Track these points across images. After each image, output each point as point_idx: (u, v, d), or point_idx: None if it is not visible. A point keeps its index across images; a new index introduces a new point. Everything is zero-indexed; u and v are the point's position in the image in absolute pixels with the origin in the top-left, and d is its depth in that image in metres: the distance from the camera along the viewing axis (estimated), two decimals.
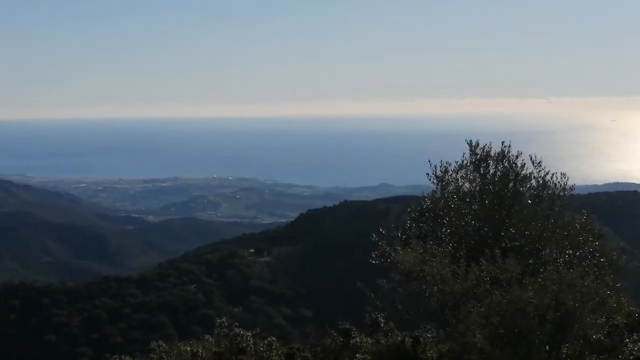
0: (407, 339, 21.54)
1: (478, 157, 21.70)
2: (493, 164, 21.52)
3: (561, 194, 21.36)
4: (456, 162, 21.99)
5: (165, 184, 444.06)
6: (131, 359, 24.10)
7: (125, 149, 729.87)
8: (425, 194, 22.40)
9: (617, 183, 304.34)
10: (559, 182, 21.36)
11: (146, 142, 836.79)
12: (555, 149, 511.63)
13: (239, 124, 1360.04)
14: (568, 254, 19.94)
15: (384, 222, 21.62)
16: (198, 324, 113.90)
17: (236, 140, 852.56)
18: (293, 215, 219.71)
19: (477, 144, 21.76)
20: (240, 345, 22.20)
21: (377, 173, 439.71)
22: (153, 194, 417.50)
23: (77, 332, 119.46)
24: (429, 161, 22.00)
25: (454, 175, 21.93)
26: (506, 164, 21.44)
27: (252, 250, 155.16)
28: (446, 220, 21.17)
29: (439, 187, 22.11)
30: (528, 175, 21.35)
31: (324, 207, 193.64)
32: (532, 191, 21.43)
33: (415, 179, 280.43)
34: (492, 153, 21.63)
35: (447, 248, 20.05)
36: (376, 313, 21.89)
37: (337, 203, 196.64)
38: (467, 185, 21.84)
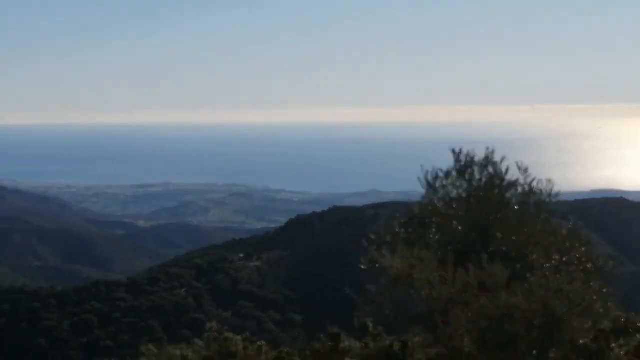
0: (395, 343, 21.68)
1: (462, 163, 21.83)
2: (478, 170, 21.65)
3: (547, 200, 21.49)
4: (442, 170, 22.13)
5: (156, 189, 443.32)
6: None
7: (115, 154, 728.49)
8: (414, 200, 22.54)
9: (603, 190, 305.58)
10: (544, 188, 21.49)
11: (136, 147, 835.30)
12: (541, 155, 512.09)
13: (230, 130, 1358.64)
14: (555, 259, 20.07)
15: (373, 227, 21.66)
16: (188, 328, 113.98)
17: (227, 146, 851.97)
18: (282, 220, 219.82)
19: (460, 151, 21.90)
20: (230, 349, 22.32)
21: (366, 179, 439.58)
22: (143, 199, 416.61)
23: (67, 336, 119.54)
24: (421, 166, 22.11)
25: (442, 181, 22.07)
26: (491, 170, 21.56)
27: (241, 255, 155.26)
28: (434, 226, 21.30)
29: (429, 192, 22.25)
30: (514, 181, 21.47)
31: (313, 212, 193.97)
32: (518, 197, 21.55)
33: (405, 185, 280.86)
34: (476, 159, 21.76)
35: (436, 254, 20.19)
36: (365, 318, 22.02)
37: (326, 209, 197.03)
38: (454, 191, 21.98)
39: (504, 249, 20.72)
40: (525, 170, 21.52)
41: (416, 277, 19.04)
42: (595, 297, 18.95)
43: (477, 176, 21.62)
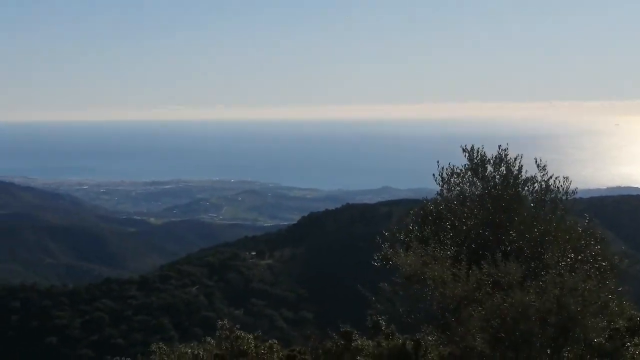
0: (408, 342, 21.51)
1: (475, 161, 21.69)
2: (491, 168, 21.52)
3: (563, 197, 21.33)
4: (458, 167, 21.98)
5: (168, 187, 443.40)
6: None
7: (127, 151, 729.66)
8: (428, 197, 22.41)
9: (620, 187, 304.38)
10: (561, 185, 21.34)
11: (148, 144, 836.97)
12: (558, 153, 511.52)
13: (243, 126, 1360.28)
14: (570, 257, 19.90)
15: (386, 225, 21.52)
16: (199, 326, 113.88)
17: (239, 143, 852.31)
18: (295, 218, 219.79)
19: (472, 148, 21.76)
20: (241, 348, 22.19)
21: (380, 176, 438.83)
22: (155, 196, 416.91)
23: (78, 334, 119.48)
24: (437, 162, 21.98)
25: (457, 179, 21.92)
26: (504, 168, 21.43)
27: (253, 253, 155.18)
28: (448, 224, 21.15)
29: (444, 189, 22.10)
30: (531, 178, 21.33)
31: (326, 209, 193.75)
32: (534, 195, 21.41)
33: (418, 182, 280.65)
34: (489, 157, 21.62)
35: (449, 251, 20.02)
36: (377, 316, 21.85)
37: (339, 206, 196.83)
38: (468, 189, 21.83)
39: (518, 245, 20.57)
40: (543, 168, 21.39)
41: (429, 275, 18.90)
42: (610, 296, 18.80)
43: (491, 174, 21.51)
